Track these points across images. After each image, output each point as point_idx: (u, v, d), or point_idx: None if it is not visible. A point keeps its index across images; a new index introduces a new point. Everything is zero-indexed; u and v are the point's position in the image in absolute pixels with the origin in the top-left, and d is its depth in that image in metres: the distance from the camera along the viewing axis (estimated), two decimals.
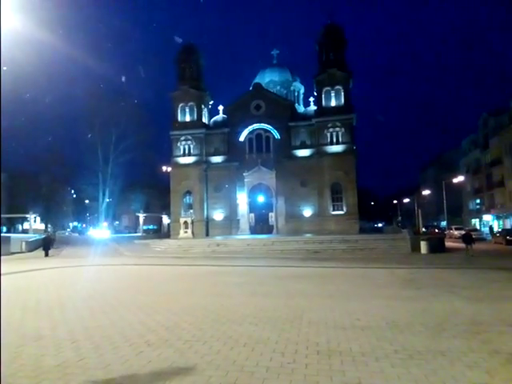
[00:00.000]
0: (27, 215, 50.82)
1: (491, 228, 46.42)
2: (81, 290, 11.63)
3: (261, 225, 41.24)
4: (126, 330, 6.71)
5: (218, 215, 42.44)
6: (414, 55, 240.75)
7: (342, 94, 39.93)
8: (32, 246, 32.48)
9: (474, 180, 58.26)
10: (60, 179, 62.44)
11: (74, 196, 78.28)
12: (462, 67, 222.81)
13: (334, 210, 39.40)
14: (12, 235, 37.65)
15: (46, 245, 27.30)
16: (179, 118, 43.48)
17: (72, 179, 61.20)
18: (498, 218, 50.58)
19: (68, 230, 75.46)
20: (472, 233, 25.15)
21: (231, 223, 41.68)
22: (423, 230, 44.81)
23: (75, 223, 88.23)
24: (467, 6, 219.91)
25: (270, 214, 41.29)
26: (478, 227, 51.38)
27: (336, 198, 39.49)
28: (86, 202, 67.08)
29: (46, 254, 26.25)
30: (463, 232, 36.45)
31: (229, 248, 28.49)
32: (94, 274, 16.40)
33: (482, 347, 5.46)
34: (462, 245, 32.35)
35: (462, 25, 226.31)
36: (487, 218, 53.70)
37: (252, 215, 41.80)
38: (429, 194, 66.15)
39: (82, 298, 10.10)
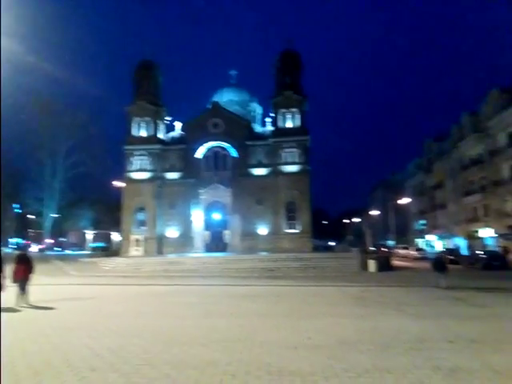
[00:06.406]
0: None
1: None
2: (20, 311, 10.84)
3: (216, 243, 40.87)
4: (68, 354, 6.32)
5: (173, 232, 41.57)
6: (368, 80, 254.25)
7: (298, 116, 41.16)
8: None
9: (418, 202, 61.48)
10: (2, 193, 58.41)
11: (18, 211, 73.38)
12: (413, 92, 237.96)
13: (288, 228, 39.95)
14: None
15: None
16: (134, 133, 42.61)
17: (15, 193, 57.38)
18: (440, 238, 53.56)
19: (14, 246, 70.11)
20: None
21: (186, 241, 40.94)
22: (372, 248, 46.38)
23: (17, 239, 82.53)
24: (419, 29, 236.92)
25: (226, 231, 41.12)
26: (422, 247, 54.01)
27: (291, 217, 40.10)
28: (32, 217, 63.12)
29: None
30: (420, 254, 35.37)
31: (182, 266, 27.86)
32: (34, 294, 15.32)
33: (425, 364, 5.70)
34: (406, 263, 33.84)
35: (414, 50, 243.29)
36: (431, 237, 56.68)
37: (207, 233, 41.39)
38: (377, 214, 68.86)
39: (22, 319, 9.42)
